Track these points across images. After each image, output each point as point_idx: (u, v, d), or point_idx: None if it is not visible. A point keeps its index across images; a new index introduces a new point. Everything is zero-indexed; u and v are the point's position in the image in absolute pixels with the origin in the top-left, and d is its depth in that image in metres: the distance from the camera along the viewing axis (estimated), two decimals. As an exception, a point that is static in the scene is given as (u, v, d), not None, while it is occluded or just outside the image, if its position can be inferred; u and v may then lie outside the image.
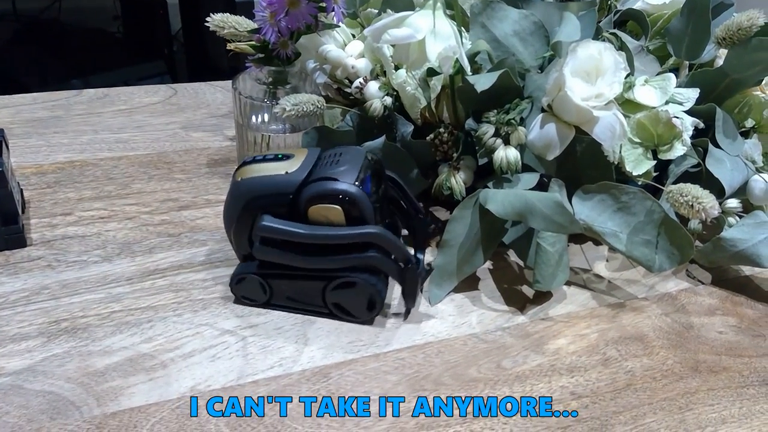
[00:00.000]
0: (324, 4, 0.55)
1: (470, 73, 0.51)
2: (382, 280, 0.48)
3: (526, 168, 0.55)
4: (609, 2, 0.70)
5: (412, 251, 0.53)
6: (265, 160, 0.47)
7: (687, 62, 0.64)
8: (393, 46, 0.54)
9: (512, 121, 0.52)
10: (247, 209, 0.46)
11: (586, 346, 0.49)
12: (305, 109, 0.54)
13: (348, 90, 0.62)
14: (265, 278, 0.48)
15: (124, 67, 1.74)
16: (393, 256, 0.46)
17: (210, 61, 1.83)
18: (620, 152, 0.54)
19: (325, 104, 0.56)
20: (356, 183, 0.45)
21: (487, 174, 0.57)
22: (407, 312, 0.50)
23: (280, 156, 0.47)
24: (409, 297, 0.49)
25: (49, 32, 1.90)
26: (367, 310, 0.48)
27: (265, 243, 0.46)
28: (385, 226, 0.47)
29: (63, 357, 0.44)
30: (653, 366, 0.48)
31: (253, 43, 0.60)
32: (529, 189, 0.52)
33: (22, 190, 0.59)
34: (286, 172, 0.46)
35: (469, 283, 0.54)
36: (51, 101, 0.76)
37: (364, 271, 0.46)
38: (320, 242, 0.45)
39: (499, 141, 0.53)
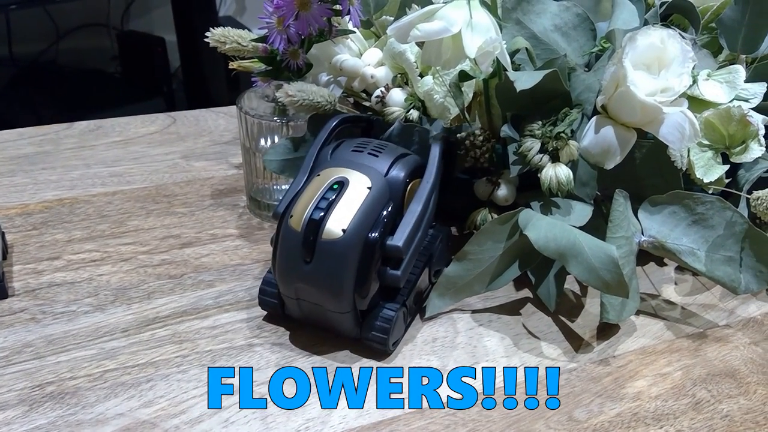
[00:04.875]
0: (339, 6, 0.49)
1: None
2: None
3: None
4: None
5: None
6: (326, 200, 0.40)
7: (743, 56, 0.57)
8: (420, 47, 0.47)
9: (562, 134, 0.45)
10: (367, 252, 0.40)
11: (671, 388, 0.41)
12: (312, 100, 0.48)
13: (367, 103, 0.55)
14: (405, 304, 0.44)
15: (124, 106, 1.70)
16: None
17: (210, 99, 1.79)
18: (688, 156, 0.47)
19: (336, 100, 0.49)
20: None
21: (528, 187, 0.50)
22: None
23: (335, 186, 0.41)
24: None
25: (47, 75, 1.86)
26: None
27: (398, 263, 0.42)
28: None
29: (48, 429, 0.37)
30: (753, 407, 0.40)
31: (258, 58, 0.54)
32: (580, 227, 0.44)
33: (3, 234, 0.52)
34: (369, 188, 0.41)
35: (516, 315, 0.46)
36: (39, 136, 0.69)
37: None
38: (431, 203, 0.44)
39: (546, 158, 0.46)
